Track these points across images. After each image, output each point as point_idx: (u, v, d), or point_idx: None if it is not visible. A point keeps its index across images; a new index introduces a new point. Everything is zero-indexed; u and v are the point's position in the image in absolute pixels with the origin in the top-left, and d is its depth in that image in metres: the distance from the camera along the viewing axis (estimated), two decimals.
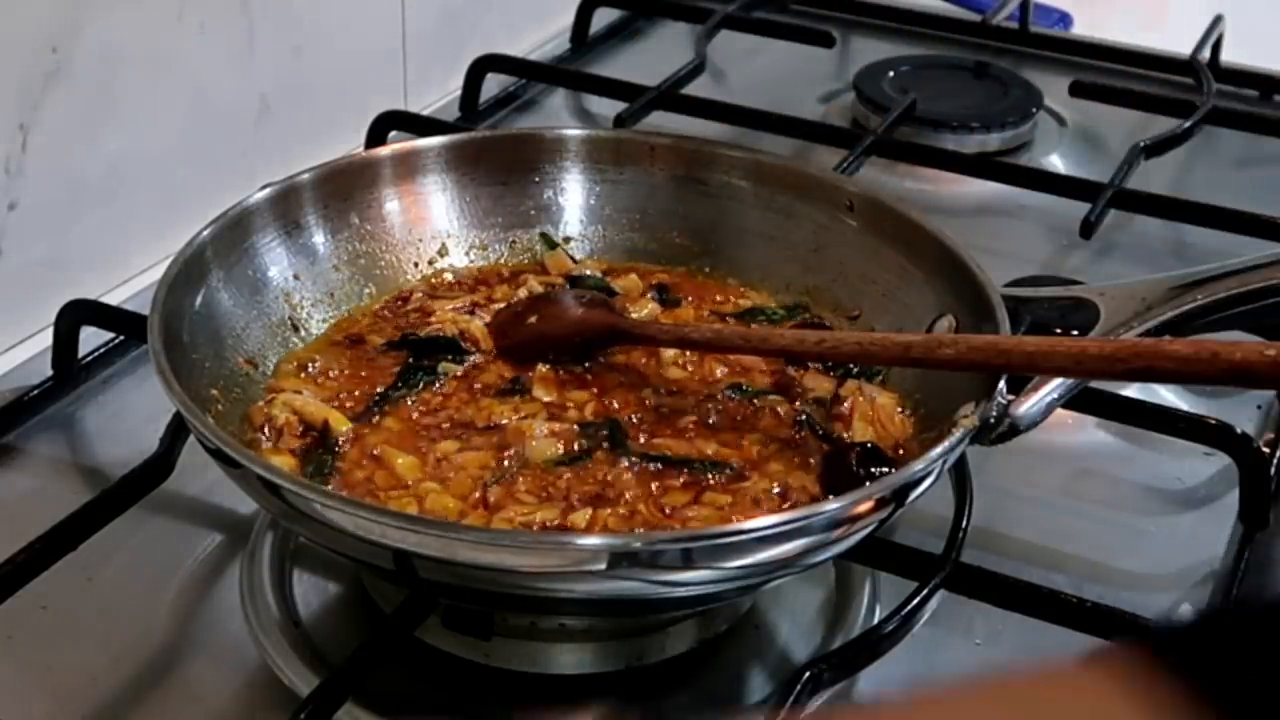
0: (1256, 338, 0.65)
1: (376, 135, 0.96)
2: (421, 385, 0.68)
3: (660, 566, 0.53)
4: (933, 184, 1.02)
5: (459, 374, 0.69)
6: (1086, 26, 1.31)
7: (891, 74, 1.12)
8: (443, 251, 0.77)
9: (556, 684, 0.62)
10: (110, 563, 0.67)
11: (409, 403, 0.67)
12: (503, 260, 0.78)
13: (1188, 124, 1.05)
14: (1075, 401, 0.66)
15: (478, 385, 0.69)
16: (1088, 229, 0.92)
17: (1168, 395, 0.79)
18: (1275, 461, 0.73)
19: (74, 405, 0.78)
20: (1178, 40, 1.18)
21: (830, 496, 0.61)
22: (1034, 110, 1.10)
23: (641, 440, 0.65)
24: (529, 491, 0.61)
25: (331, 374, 0.69)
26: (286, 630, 0.63)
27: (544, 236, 0.78)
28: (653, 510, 0.61)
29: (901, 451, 0.64)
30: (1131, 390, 0.75)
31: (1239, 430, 0.72)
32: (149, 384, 0.68)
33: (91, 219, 0.85)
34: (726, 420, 0.67)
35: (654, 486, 0.62)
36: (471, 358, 0.70)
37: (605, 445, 0.64)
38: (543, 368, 0.69)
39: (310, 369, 0.69)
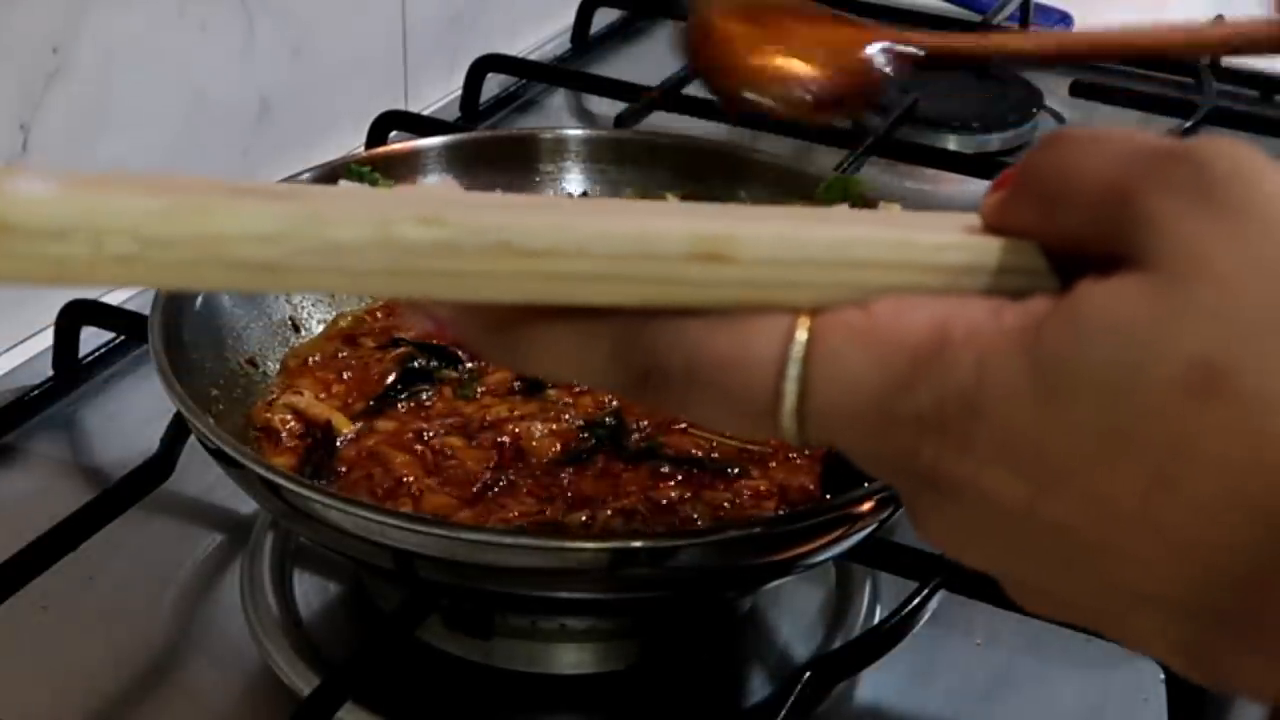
0: None
1: (376, 135, 0.96)
2: (421, 384, 0.68)
3: (660, 567, 0.53)
4: (933, 184, 1.02)
5: (456, 375, 0.69)
6: (1086, 26, 1.31)
7: None
8: None
9: (557, 684, 0.62)
10: (110, 563, 0.67)
11: (409, 402, 0.67)
12: None
13: (1188, 124, 1.05)
14: None
15: (481, 388, 0.68)
16: None
17: None
18: None
19: (74, 405, 0.78)
20: None
21: (830, 496, 0.61)
22: (1034, 110, 1.10)
23: (642, 439, 0.65)
24: (529, 491, 0.61)
25: (331, 373, 0.69)
26: (287, 630, 0.63)
27: None
28: (653, 510, 0.61)
29: None
30: None
31: None
32: (149, 384, 0.68)
33: None
34: None
35: (655, 486, 0.62)
36: (467, 364, 0.70)
37: (606, 444, 0.64)
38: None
39: (309, 362, 0.69)
